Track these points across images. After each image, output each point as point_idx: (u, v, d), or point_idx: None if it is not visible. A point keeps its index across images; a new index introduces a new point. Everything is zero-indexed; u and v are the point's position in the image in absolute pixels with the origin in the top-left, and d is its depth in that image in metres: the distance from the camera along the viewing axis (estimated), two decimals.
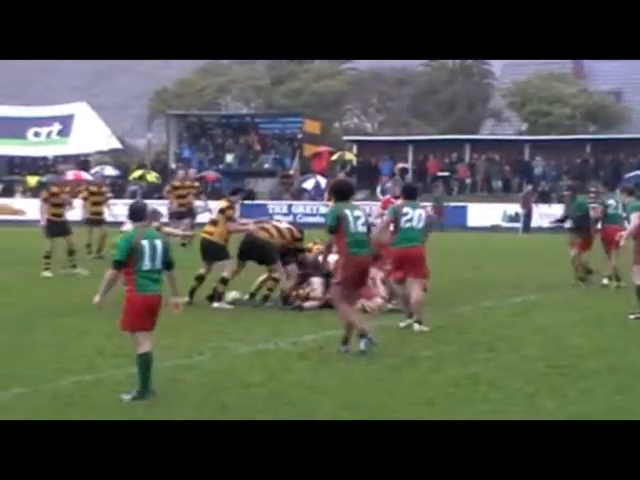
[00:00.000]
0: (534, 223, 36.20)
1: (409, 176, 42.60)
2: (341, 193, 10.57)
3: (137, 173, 44.40)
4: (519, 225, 36.37)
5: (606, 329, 11.66)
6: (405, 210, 11.82)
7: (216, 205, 14.47)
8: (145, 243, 8.05)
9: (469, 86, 58.58)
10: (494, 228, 35.72)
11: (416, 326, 11.64)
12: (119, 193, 42.39)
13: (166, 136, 49.55)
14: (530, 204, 36.84)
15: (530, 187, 38.37)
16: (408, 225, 11.72)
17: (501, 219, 37.74)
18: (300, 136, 45.73)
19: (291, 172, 43.54)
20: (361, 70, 63.98)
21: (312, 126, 47.61)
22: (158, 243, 8.14)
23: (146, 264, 8.02)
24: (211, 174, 43.63)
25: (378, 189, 40.12)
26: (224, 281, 13.72)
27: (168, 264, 8.23)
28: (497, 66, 59.81)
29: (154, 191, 43.11)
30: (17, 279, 16.75)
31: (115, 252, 8.35)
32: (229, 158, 45.94)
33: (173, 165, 45.65)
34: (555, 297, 14.74)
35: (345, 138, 50.41)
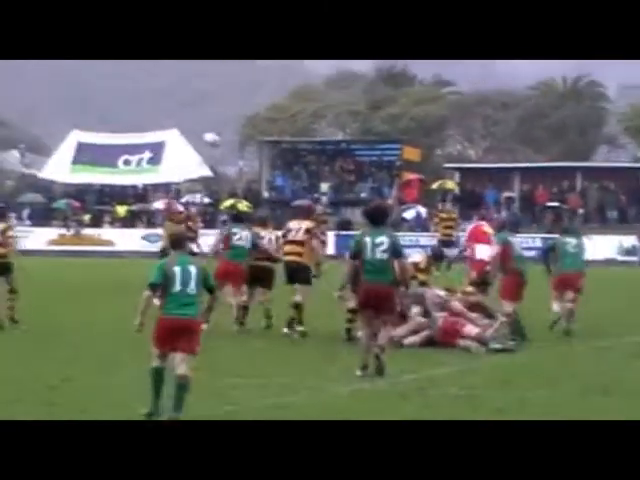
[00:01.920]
0: None
1: (516, 206, 42.18)
2: (371, 218, 11.15)
3: (228, 202, 45.02)
4: (636, 259, 35.55)
5: None
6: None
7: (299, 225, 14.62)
8: (177, 269, 8.88)
9: (580, 110, 57.81)
10: (609, 262, 34.91)
11: None
12: (210, 223, 43.07)
13: (258, 163, 50.20)
14: None
15: None
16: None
17: (617, 252, 36.96)
18: (399, 163, 45.72)
19: (389, 201, 43.45)
20: (463, 93, 63.82)
21: (412, 153, 47.59)
22: (192, 268, 8.93)
23: (177, 287, 8.83)
24: (307, 203, 43.85)
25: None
26: (297, 306, 14.11)
27: (208, 289, 9.16)
28: (612, 89, 58.93)
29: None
30: (115, 312, 17.14)
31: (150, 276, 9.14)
32: (324, 187, 46.19)
33: (266, 194, 46.14)
34: None
35: (446, 166, 50.21)
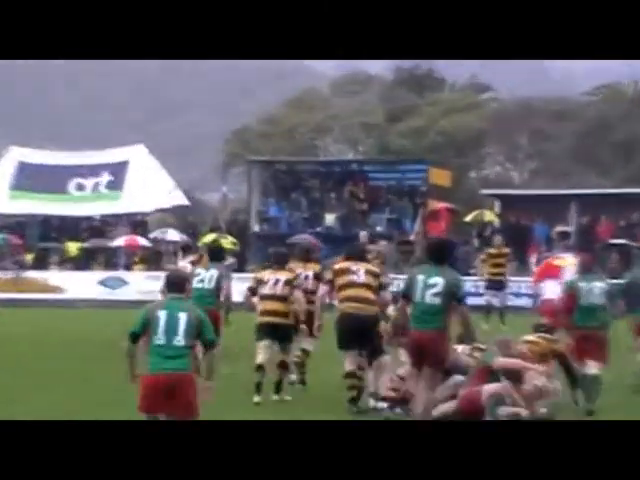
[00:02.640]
0: None
1: (571, 242, 42.27)
2: (430, 253, 11.89)
3: (209, 237, 45.12)
4: None
5: None
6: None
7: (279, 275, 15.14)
8: (161, 314, 9.20)
9: None
10: None
11: None
12: None
13: (247, 189, 50.33)
14: None
15: None
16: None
17: None
18: (424, 189, 45.80)
19: (412, 237, 43.52)
20: (506, 101, 64.13)
21: (440, 176, 47.67)
22: (182, 316, 9.18)
23: (159, 338, 9.13)
24: (307, 239, 43.95)
25: (532, 260, 39.75)
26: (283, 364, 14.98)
27: (204, 343, 9.32)
28: None
29: None
30: (65, 371, 17.18)
31: None
32: (329, 219, 46.25)
33: (256, 227, 46.16)
34: None
35: (484, 192, 50.37)
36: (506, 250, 29.29)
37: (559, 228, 42.29)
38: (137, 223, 47.42)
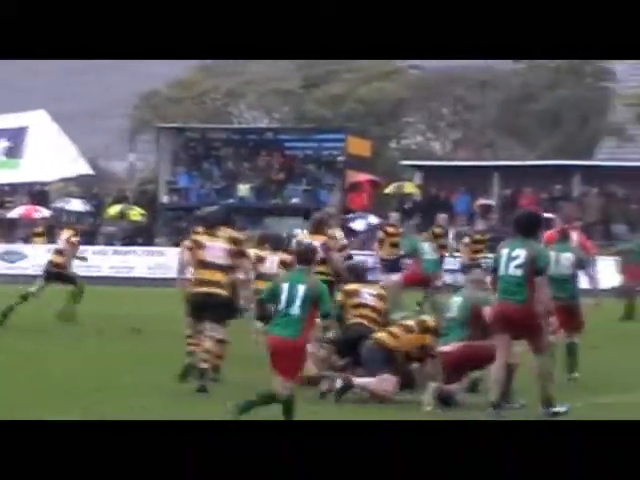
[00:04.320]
0: None
1: (494, 216, 42.62)
2: (518, 226, 12.38)
3: (115, 209, 44.78)
4: None
5: None
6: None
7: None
8: (285, 286, 10.62)
9: (580, 92, 58.61)
10: (618, 291, 35.13)
11: None
12: (89, 237, 42.76)
13: (155, 158, 50.01)
14: None
15: None
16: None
17: None
18: (342, 159, 45.90)
19: (329, 209, 43.50)
20: (428, 69, 64.29)
21: (359, 146, 47.82)
22: (300, 288, 10.52)
23: (281, 306, 10.57)
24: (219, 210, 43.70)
25: (450, 234, 40.01)
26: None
27: (321, 314, 10.70)
28: (619, 64, 59.75)
29: (138, 234, 43.32)
30: None
31: None
32: (243, 189, 46.18)
33: (165, 198, 45.89)
34: None
35: (404, 163, 50.56)
36: (488, 236, 30.12)
37: (481, 201, 42.60)
38: (36, 193, 46.88)
